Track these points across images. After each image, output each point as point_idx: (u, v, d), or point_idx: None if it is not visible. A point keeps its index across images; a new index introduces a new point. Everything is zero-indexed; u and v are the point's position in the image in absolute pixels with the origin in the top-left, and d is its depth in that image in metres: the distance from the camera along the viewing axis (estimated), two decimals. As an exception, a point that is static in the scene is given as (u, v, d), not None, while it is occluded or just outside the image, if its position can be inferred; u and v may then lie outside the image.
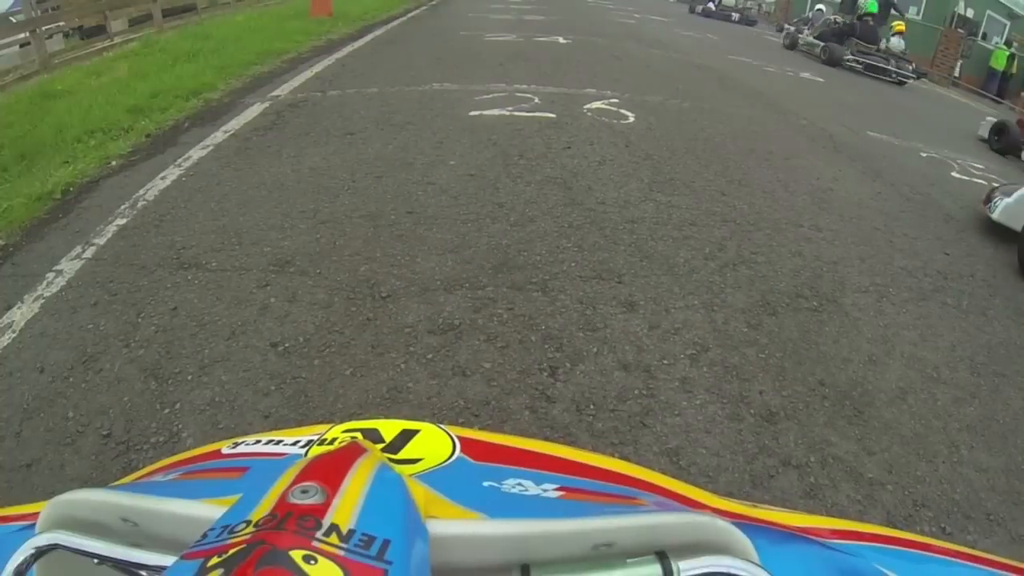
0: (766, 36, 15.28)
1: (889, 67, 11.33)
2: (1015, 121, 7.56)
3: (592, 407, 1.91)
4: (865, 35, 11.60)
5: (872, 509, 1.68)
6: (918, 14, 16.24)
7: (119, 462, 1.64)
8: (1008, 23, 15.75)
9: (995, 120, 7.83)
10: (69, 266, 2.51)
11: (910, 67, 12.72)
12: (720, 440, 1.84)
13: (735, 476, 1.72)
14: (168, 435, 1.72)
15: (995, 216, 3.71)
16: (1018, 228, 3.47)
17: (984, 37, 15.85)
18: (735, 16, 17.43)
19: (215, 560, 0.29)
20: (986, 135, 7.73)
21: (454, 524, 0.38)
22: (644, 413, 1.91)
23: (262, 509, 0.33)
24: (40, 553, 0.38)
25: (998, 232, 3.71)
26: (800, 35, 13.03)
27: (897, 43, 13.02)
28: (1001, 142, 7.41)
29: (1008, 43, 14.68)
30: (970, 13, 15.94)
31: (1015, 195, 3.67)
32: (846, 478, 1.77)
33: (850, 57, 11.30)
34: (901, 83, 11.42)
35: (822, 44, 11.78)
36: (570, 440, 1.77)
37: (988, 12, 15.91)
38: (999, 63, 14.50)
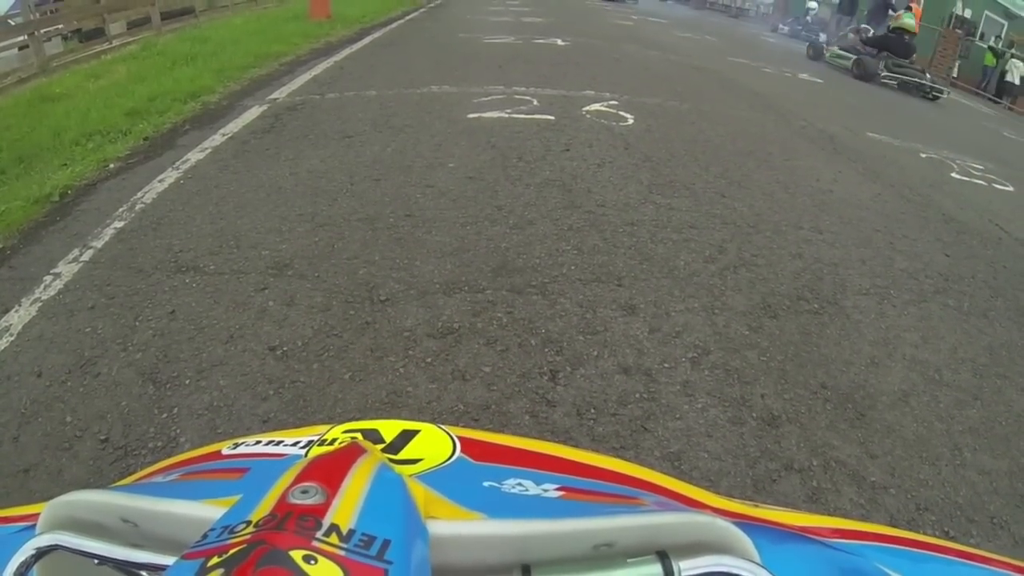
0: (762, 36, 15.31)
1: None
2: None
3: (593, 411, 1.90)
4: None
5: (875, 513, 1.67)
6: (916, 15, 16.27)
7: (117, 467, 1.63)
8: (1006, 23, 15.79)
9: None
10: (67, 269, 2.50)
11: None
12: (722, 444, 1.83)
13: (737, 480, 1.71)
14: (166, 440, 1.71)
15: None
16: None
17: (982, 37, 15.90)
18: None
19: (215, 560, 0.29)
20: None
21: (454, 524, 0.38)
22: (645, 417, 1.90)
23: (262, 509, 0.33)
24: (41, 554, 0.39)
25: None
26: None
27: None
28: None
29: (1009, 43, 14.75)
30: (968, 13, 15.98)
31: None
32: (849, 482, 1.76)
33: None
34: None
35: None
36: (571, 444, 1.76)
37: (986, 12, 15.96)
38: (990, 61, 14.71)
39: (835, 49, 11.46)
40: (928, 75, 10.48)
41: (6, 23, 6.82)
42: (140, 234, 2.77)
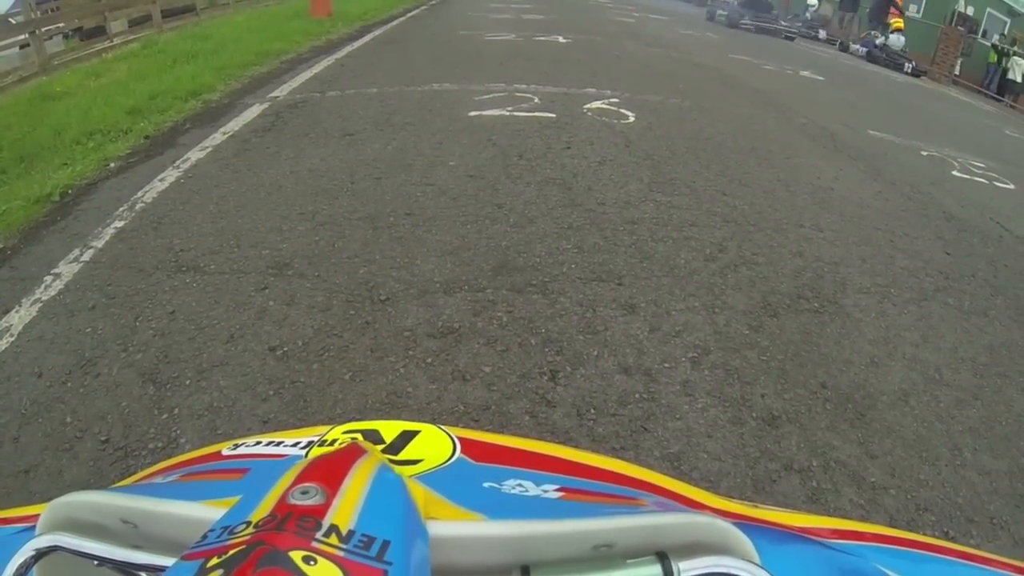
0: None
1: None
2: None
3: (593, 411, 1.90)
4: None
5: (875, 513, 1.67)
6: (918, 12, 16.23)
7: (117, 468, 1.63)
8: (1008, 20, 15.73)
9: None
10: (67, 269, 2.50)
11: (910, 64, 13.02)
12: (722, 444, 1.83)
13: (737, 481, 1.71)
14: (166, 440, 1.71)
15: None
16: None
17: (984, 35, 15.83)
18: None
19: (215, 561, 0.29)
20: None
21: (454, 525, 0.38)
22: (645, 417, 1.90)
23: (262, 510, 0.33)
24: (40, 555, 0.39)
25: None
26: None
27: (896, 40, 13.27)
28: None
29: (1012, 41, 14.68)
30: (970, 11, 15.92)
31: None
32: (849, 482, 1.76)
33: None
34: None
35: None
36: (571, 445, 1.76)
37: (988, 10, 15.89)
38: (993, 59, 14.66)
39: (719, 12, 16.31)
40: (783, 23, 15.89)
41: (7, 22, 6.81)
42: (141, 234, 2.77)
